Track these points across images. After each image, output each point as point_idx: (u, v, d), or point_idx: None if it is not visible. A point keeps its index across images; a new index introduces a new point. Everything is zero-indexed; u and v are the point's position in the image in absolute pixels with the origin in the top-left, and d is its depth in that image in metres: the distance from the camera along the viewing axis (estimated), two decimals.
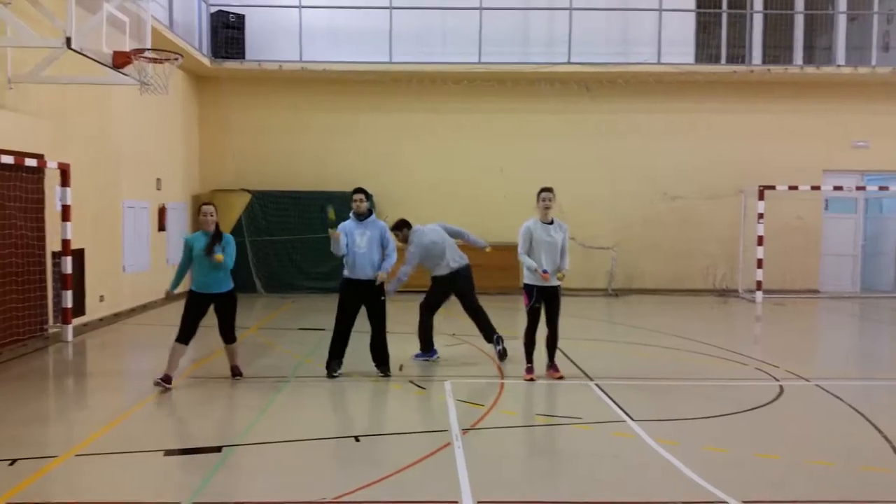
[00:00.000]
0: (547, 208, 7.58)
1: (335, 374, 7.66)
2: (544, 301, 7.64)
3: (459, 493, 4.64)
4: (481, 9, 15.12)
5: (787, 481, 5.02)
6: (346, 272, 7.69)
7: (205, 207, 7.33)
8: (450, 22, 15.66)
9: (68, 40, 8.08)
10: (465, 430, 5.93)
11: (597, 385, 7.54)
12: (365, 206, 7.68)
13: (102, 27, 8.53)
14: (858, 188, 15.68)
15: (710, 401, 7.10)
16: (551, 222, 7.65)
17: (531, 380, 7.65)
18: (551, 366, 7.82)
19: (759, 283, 14.52)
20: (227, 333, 7.46)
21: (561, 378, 7.71)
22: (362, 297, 7.64)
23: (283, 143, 15.80)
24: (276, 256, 15.21)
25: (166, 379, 7.17)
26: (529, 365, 7.77)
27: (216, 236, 7.24)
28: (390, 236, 7.81)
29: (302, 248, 15.18)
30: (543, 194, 7.63)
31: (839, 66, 15.41)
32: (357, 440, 5.80)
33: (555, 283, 7.62)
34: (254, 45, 15.27)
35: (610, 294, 15.47)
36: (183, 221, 14.93)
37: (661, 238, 15.96)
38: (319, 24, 15.43)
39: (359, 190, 7.78)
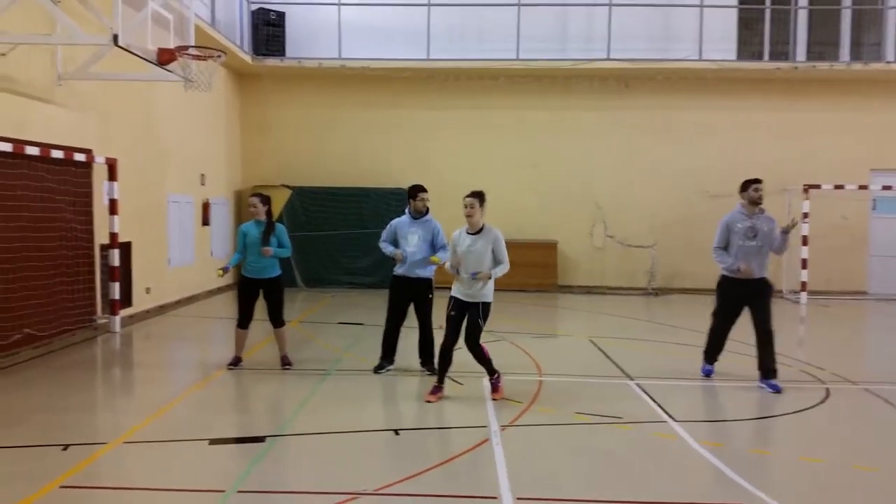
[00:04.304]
0: (468, 216, 6.58)
1: (380, 372, 7.74)
2: (463, 311, 6.59)
3: (499, 489, 4.65)
4: (520, 5, 15.06)
5: (833, 486, 4.91)
6: (396, 269, 7.72)
7: (250, 199, 7.80)
8: (487, 18, 15.63)
9: (115, 37, 8.23)
10: (503, 427, 5.93)
11: (637, 384, 7.47)
12: (427, 204, 7.72)
13: (147, 24, 8.70)
14: None
15: (754, 403, 6.99)
16: (479, 231, 6.61)
17: (430, 401, 6.62)
18: (493, 385, 6.90)
19: (803, 284, 14.21)
20: (276, 317, 7.84)
21: (501, 398, 6.74)
22: (411, 294, 7.67)
23: (321, 140, 15.98)
24: (315, 252, 15.35)
25: (235, 361, 7.86)
26: (436, 384, 6.75)
27: (269, 226, 7.65)
28: (443, 236, 7.62)
29: (341, 244, 15.33)
30: (466, 199, 6.58)
31: (888, 62, 14.98)
32: (397, 433, 5.86)
33: (466, 297, 6.55)
34: (294, 43, 15.44)
35: (650, 293, 15.29)
36: (226, 216, 15.18)
37: (702, 237, 15.50)
38: (358, 21, 15.54)
39: (423, 188, 7.71)
